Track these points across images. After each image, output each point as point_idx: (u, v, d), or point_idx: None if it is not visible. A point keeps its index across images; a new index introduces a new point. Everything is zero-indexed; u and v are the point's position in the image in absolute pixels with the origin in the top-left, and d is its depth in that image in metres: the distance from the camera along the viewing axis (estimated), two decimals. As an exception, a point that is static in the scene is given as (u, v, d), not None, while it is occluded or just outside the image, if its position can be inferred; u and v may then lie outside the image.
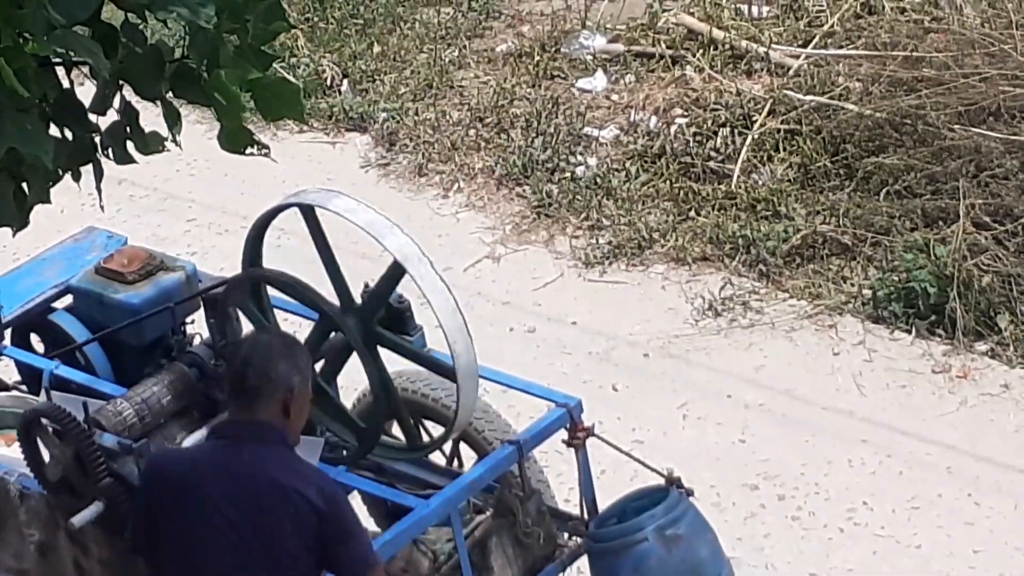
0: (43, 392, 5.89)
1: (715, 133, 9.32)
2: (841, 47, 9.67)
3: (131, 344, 6.04)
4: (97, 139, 4.17)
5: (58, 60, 4.04)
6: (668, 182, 9.09)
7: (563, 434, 5.74)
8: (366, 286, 5.71)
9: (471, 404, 5.52)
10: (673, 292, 8.45)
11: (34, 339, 6.40)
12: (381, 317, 5.65)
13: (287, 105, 4.13)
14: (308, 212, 5.48)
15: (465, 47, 10.67)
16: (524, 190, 9.30)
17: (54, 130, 4.05)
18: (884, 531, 6.94)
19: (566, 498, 6.35)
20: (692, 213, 8.89)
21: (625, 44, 10.34)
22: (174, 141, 4.13)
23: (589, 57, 10.30)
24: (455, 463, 6.23)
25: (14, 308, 6.28)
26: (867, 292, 8.18)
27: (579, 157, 9.44)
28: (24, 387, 6.33)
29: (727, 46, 9.96)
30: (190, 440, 5.47)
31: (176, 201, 9.49)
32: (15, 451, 5.51)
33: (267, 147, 4.25)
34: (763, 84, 9.64)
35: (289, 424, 4.73)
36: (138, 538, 4.86)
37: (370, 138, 10.01)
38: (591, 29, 10.54)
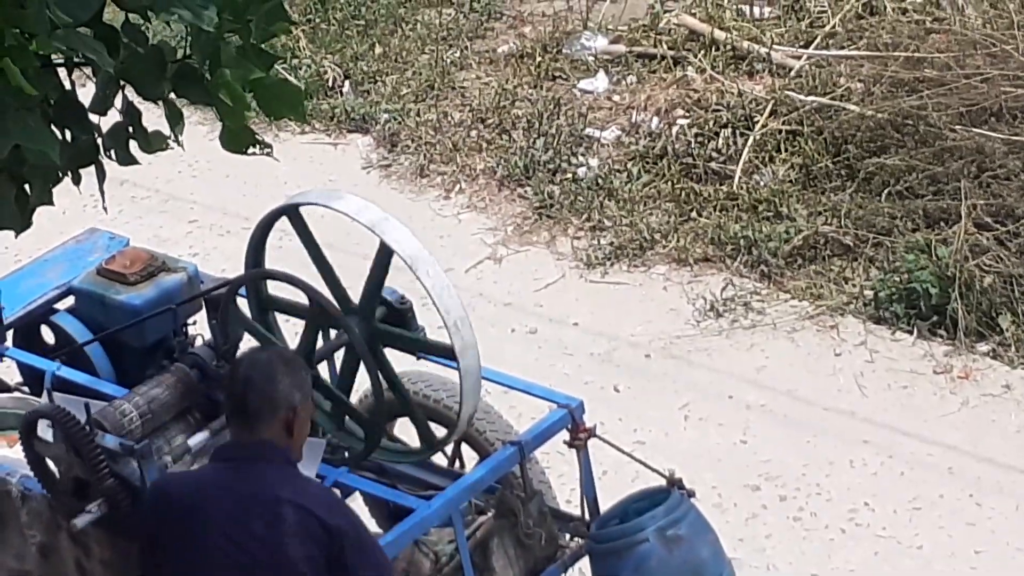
0: (45, 393, 5.90)
1: (717, 134, 9.32)
2: (843, 48, 9.67)
3: (133, 345, 6.04)
4: (99, 141, 4.17)
5: (59, 62, 4.04)
6: (670, 183, 9.09)
7: (565, 435, 5.74)
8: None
9: (474, 405, 5.52)
10: (675, 293, 8.45)
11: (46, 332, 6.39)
12: (384, 318, 5.65)
13: (288, 105, 4.13)
14: (293, 214, 5.47)
15: (467, 48, 10.68)
16: (526, 191, 9.30)
17: (55, 132, 4.05)
18: (886, 532, 6.94)
19: (568, 499, 6.35)
20: (694, 214, 8.89)
21: (627, 45, 10.34)
22: (176, 141, 4.13)
23: (591, 58, 10.30)
24: (456, 464, 6.23)
25: (16, 309, 6.28)
26: (869, 293, 8.18)
27: (581, 158, 9.44)
28: (26, 388, 6.33)
29: (729, 47, 9.97)
30: (192, 441, 5.47)
31: (178, 202, 9.49)
32: (17, 452, 5.51)
33: (270, 146, 4.24)
34: (765, 85, 9.64)
35: (292, 443, 4.69)
36: (146, 563, 4.85)
37: (372, 139, 10.01)
38: (593, 30, 10.54)
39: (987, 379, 7.67)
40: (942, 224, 8.35)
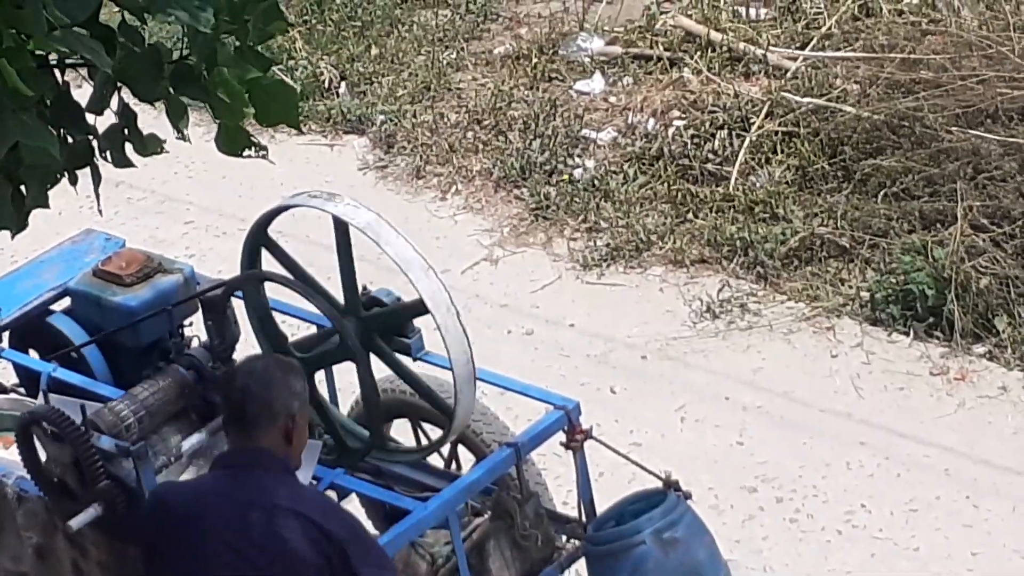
0: (41, 395, 5.89)
1: (713, 135, 9.32)
2: (839, 49, 9.68)
3: (129, 346, 6.03)
4: (95, 142, 4.16)
5: (55, 63, 4.03)
6: (666, 184, 9.09)
7: (561, 436, 5.74)
8: (364, 289, 5.72)
9: (469, 407, 5.52)
10: (671, 294, 8.45)
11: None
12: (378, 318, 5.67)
13: (283, 109, 4.12)
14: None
15: (463, 49, 10.67)
16: (522, 192, 9.30)
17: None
18: (882, 533, 6.94)
19: (564, 500, 6.35)
20: (690, 215, 8.89)
21: (623, 46, 10.34)
22: (181, 135, 4.11)
23: (587, 59, 10.30)
24: (453, 465, 6.22)
25: (12, 311, 6.27)
26: (865, 294, 8.18)
27: (577, 159, 9.44)
28: (22, 390, 6.33)
29: (725, 48, 9.97)
30: (188, 443, 5.47)
31: (174, 203, 9.49)
32: (13, 454, 5.51)
33: (265, 148, 4.23)
34: (761, 86, 9.64)
35: (291, 450, 4.68)
36: (146, 573, 4.84)
37: (368, 140, 10.01)
38: (589, 31, 10.54)
39: (983, 381, 7.67)
40: (938, 226, 8.35)
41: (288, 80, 9.67)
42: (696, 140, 9.32)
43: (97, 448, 5.16)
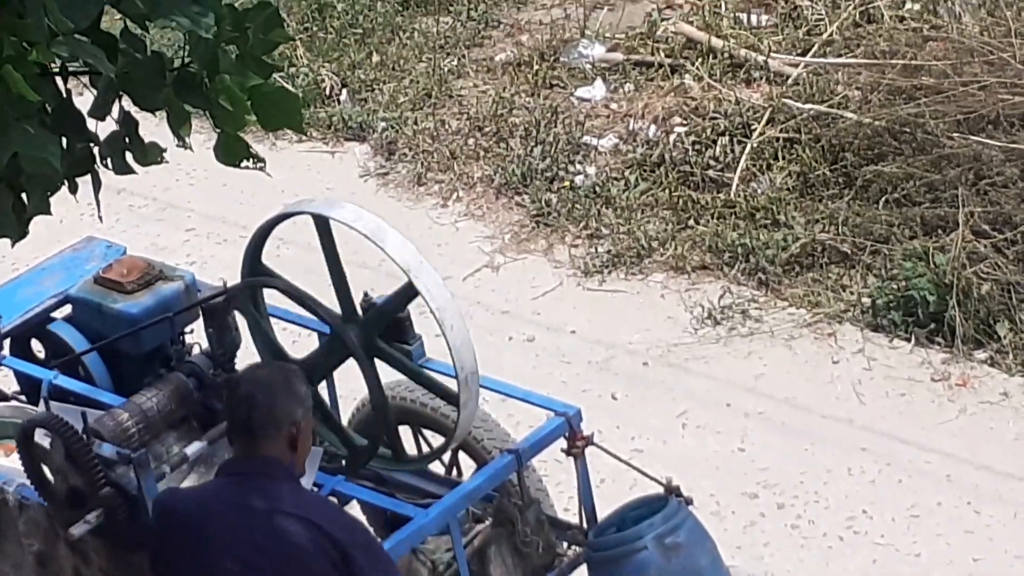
0: (42, 402, 5.89)
1: (714, 142, 9.31)
2: (840, 56, 9.67)
3: (130, 354, 6.03)
4: (96, 149, 4.16)
5: (56, 71, 4.04)
6: (667, 191, 9.09)
7: (562, 443, 5.75)
8: (366, 296, 5.72)
9: (471, 414, 5.52)
10: (672, 301, 8.45)
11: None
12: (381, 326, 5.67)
13: (286, 115, 4.12)
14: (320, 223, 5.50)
15: (464, 56, 10.67)
16: (523, 199, 9.30)
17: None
18: (884, 539, 6.93)
19: (565, 507, 6.35)
20: (691, 222, 8.89)
21: (624, 53, 10.34)
22: (182, 143, 4.12)
23: (588, 66, 10.30)
24: (454, 472, 6.22)
25: (13, 318, 6.27)
26: (866, 300, 8.18)
27: (578, 166, 9.44)
28: (23, 397, 6.33)
29: (726, 55, 9.96)
30: (189, 450, 5.46)
31: (175, 211, 9.49)
32: (14, 461, 5.51)
33: (263, 160, 4.24)
34: (762, 93, 9.64)
35: (296, 457, 4.68)
36: None
37: (369, 147, 10.00)
38: (590, 38, 10.54)
39: (985, 387, 7.67)
40: (940, 231, 8.35)
41: (289, 87, 9.68)
42: (697, 146, 9.32)
43: (98, 455, 5.16)
